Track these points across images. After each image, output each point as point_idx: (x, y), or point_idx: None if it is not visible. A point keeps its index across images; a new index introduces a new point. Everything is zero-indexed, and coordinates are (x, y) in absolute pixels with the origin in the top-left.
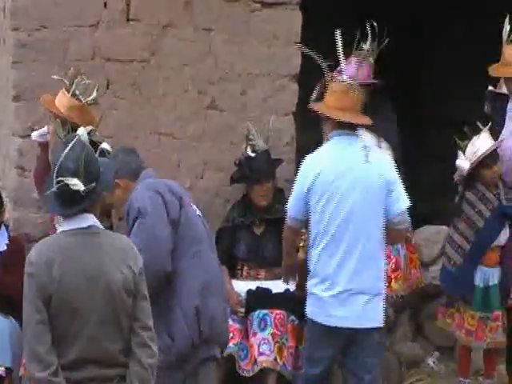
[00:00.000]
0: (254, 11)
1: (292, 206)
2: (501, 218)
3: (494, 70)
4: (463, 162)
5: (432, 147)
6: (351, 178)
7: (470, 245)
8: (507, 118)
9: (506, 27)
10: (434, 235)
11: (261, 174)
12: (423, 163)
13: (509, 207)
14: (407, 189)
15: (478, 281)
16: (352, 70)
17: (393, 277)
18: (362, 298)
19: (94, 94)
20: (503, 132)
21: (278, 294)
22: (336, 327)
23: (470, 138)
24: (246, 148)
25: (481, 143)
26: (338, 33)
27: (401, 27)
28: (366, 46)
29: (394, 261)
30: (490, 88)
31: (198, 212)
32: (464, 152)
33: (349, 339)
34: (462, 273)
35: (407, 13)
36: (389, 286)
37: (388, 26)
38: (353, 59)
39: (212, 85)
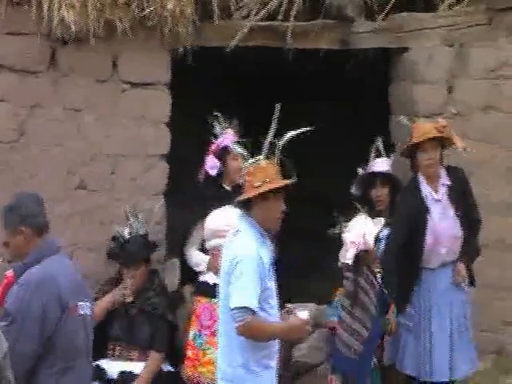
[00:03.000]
0: (124, 91)
1: None
2: (382, 303)
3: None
4: (368, 240)
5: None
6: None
7: (368, 332)
8: (428, 201)
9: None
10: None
11: (131, 259)
12: (284, 240)
13: (385, 295)
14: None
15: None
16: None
17: None
18: None
19: None
20: (431, 216)
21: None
22: None
23: (345, 220)
24: (124, 228)
25: (367, 224)
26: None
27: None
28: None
29: None
30: (361, 171)
31: (87, 311)
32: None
33: None
34: (363, 359)
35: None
36: None
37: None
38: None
39: (81, 165)
